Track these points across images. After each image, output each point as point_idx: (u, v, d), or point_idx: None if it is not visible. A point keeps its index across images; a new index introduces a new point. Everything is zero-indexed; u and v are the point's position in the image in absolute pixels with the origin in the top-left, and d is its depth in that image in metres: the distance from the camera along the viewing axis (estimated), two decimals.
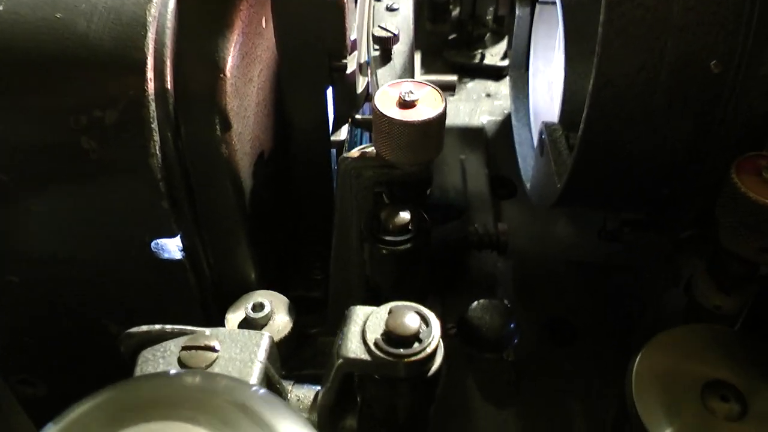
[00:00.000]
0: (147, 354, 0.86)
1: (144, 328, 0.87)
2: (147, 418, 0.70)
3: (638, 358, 0.90)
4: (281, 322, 1.05)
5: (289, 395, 0.89)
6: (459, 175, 1.50)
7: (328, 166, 1.17)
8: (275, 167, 1.13)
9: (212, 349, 0.86)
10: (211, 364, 0.85)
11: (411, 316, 0.80)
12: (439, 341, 0.80)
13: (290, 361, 1.07)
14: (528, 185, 1.33)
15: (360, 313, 0.83)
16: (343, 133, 1.11)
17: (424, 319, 0.81)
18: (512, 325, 1.17)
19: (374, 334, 0.80)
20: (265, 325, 1.05)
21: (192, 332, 0.88)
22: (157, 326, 0.88)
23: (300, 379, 1.09)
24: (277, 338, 1.04)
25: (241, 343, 0.87)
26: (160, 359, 0.86)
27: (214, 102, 0.91)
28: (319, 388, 0.90)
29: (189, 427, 0.68)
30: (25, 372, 1.18)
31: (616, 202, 1.12)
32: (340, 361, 0.80)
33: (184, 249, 1.03)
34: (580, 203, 1.17)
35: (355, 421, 0.87)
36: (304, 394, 0.90)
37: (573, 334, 1.19)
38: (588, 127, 0.94)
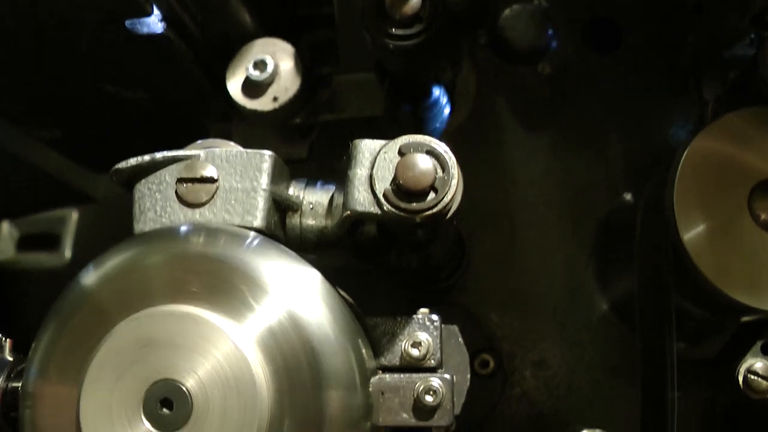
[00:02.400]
0: (142, 188, 0.80)
1: (132, 160, 0.79)
2: (151, 301, 0.69)
3: (693, 140, 0.79)
4: (288, 78, 0.94)
5: (301, 204, 0.83)
6: None
7: None
8: None
9: (210, 180, 0.78)
10: (211, 198, 0.78)
11: (424, 161, 0.70)
12: (458, 184, 0.71)
13: (307, 106, 0.99)
14: None
15: (366, 151, 0.72)
16: None
17: (440, 161, 0.70)
18: (549, 32, 1.02)
19: (383, 182, 0.71)
20: (271, 83, 0.95)
21: (185, 157, 0.80)
22: (147, 156, 0.79)
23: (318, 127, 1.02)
24: (284, 98, 0.95)
25: (241, 168, 0.79)
26: (157, 194, 0.79)
27: None
28: (333, 189, 0.83)
29: (190, 309, 0.68)
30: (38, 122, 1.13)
31: None
32: (347, 213, 0.72)
33: (165, 20, 0.88)
34: None
35: (374, 227, 0.82)
36: (317, 199, 0.83)
37: (617, 38, 1.03)
38: None
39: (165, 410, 0.66)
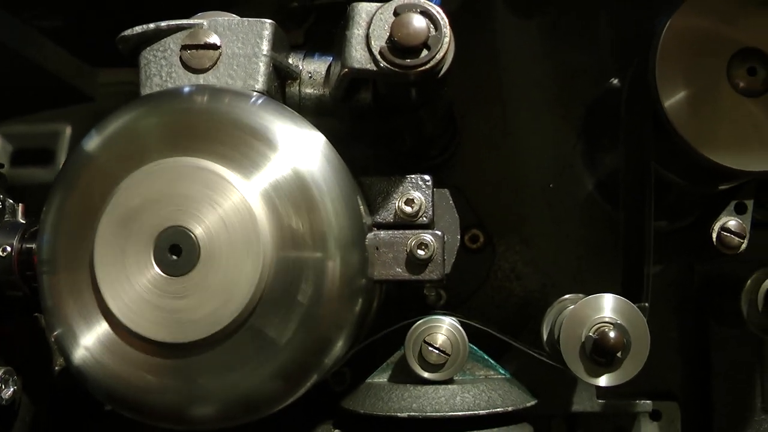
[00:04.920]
0: (148, 55, 0.83)
1: (138, 28, 0.82)
2: (158, 156, 0.72)
3: (673, 16, 0.82)
4: None
5: (300, 73, 0.86)
6: None
7: None
8: None
9: (213, 47, 0.82)
10: (214, 64, 0.82)
11: (418, 20, 0.73)
12: (450, 43, 0.74)
13: None
14: None
15: (363, 12, 0.76)
16: None
17: (433, 21, 0.74)
18: None
19: (379, 41, 0.74)
20: None
21: (189, 26, 0.83)
22: (152, 25, 0.82)
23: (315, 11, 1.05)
24: None
25: (243, 35, 0.82)
26: (162, 60, 0.82)
27: None
28: (330, 60, 0.87)
29: (197, 161, 0.71)
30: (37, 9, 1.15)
31: None
32: (345, 70, 0.76)
33: None
34: None
35: (369, 94, 0.85)
36: (315, 68, 0.87)
37: None
38: None
39: (174, 256, 0.70)
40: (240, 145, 0.72)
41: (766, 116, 0.82)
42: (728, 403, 1.03)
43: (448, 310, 0.97)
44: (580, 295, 0.88)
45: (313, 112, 0.86)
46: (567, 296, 0.92)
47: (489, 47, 1.07)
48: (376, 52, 0.74)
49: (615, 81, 1.04)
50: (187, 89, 0.78)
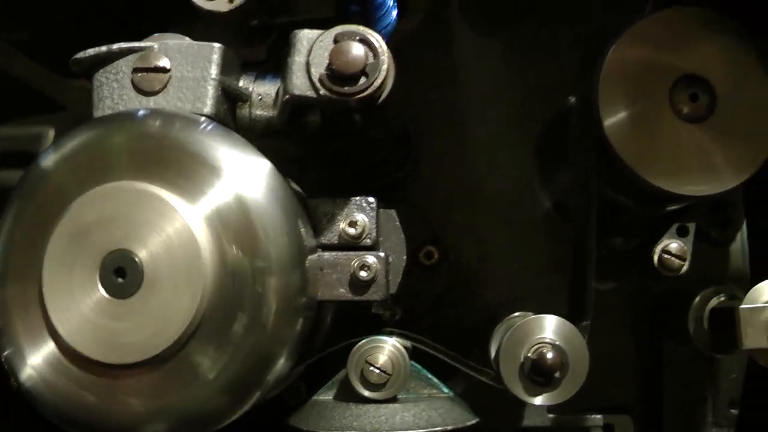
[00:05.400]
0: (100, 77, 0.85)
1: (90, 51, 0.84)
2: (108, 179, 0.74)
3: (615, 43, 0.83)
4: None
5: (251, 95, 0.88)
6: None
7: None
8: None
9: (164, 70, 0.83)
10: (164, 87, 0.83)
11: (356, 48, 0.75)
12: (388, 69, 0.76)
13: (263, 8, 1.03)
14: None
15: (304, 40, 0.77)
16: None
17: (372, 48, 0.75)
18: None
19: (319, 68, 0.76)
20: None
21: (140, 49, 0.84)
22: (104, 47, 0.84)
23: (275, 30, 1.06)
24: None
25: (192, 58, 0.83)
26: (114, 83, 0.84)
27: None
28: (280, 81, 0.88)
29: (145, 186, 0.73)
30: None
31: None
32: (287, 97, 0.78)
33: None
34: None
35: (317, 116, 0.87)
36: (265, 90, 0.88)
37: None
38: None
39: (119, 278, 0.72)
40: (187, 172, 0.74)
41: (707, 141, 0.84)
42: (679, 417, 1.04)
43: (402, 327, 0.98)
44: (529, 313, 0.90)
45: (264, 134, 0.88)
46: (516, 314, 0.93)
47: (448, 63, 1.08)
48: (315, 80, 0.75)
49: (573, 99, 1.05)
50: (139, 113, 0.80)
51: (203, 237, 0.72)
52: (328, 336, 0.91)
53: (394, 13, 0.97)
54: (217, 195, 0.74)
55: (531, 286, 1.06)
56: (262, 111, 0.87)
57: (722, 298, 0.94)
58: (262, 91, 0.88)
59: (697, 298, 0.95)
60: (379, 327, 0.94)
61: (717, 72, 0.84)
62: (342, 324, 0.92)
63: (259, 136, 0.88)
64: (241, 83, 0.87)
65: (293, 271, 0.76)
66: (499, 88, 1.07)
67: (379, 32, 0.94)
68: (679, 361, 1.04)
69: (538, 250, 1.06)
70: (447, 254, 1.06)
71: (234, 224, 0.73)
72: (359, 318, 0.99)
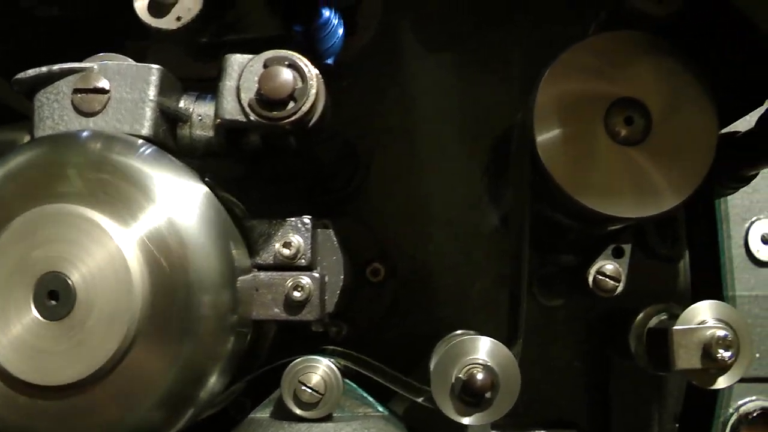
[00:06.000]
0: (41, 97, 0.86)
1: (31, 72, 0.85)
2: (46, 201, 0.75)
3: (552, 64, 0.84)
4: None
5: (191, 115, 0.89)
6: None
7: None
8: None
9: (103, 91, 0.84)
10: (104, 108, 0.84)
11: (285, 73, 0.76)
12: (317, 94, 0.76)
13: (211, 26, 1.04)
14: None
15: (235, 64, 0.78)
16: None
17: (300, 73, 0.76)
18: None
19: (249, 93, 0.77)
20: (175, 3, 0.99)
21: (80, 69, 0.85)
22: (44, 68, 0.85)
23: (226, 47, 1.07)
24: (187, 18, 0.99)
25: (131, 79, 0.85)
26: (54, 103, 0.85)
27: None
28: None
29: (80, 209, 0.74)
30: None
31: None
32: (218, 121, 0.79)
33: None
34: None
35: (258, 137, 0.88)
36: (205, 111, 0.88)
37: None
38: None
39: (52, 301, 0.73)
40: (122, 195, 0.76)
41: (644, 163, 0.84)
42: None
43: (349, 343, 0.99)
44: (470, 331, 0.91)
45: (205, 154, 0.89)
46: (458, 332, 0.94)
47: (399, 80, 1.09)
48: (245, 104, 0.76)
49: (519, 115, 1.06)
50: (82, 135, 0.81)
51: (135, 261, 0.73)
52: (272, 352, 0.92)
53: (340, 31, 0.98)
54: (151, 219, 0.75)
55: (478, 302, 1.07)
56: (202, 131, 0.88)
57: (663, 317, 0.94)
58: (202, 112, 0.89)
59: (639, 316, 0.96)
60: (326, 343, 0.95)
61: (652, 95, 0.84)
62: (288, 340, 0.93)
63: (201, 156, 0.89)
64: (181, 104, 0.88)
65: (224, 291, 0.77)
66: (450, 105, 1.08)
67: (325, 50, 0.96)
68: (626, 376, 1.05)
69: (485, 266, 1.07)
70: (395, 271, 1.06)
71: (165, 248, 0.74)
72: (307, 335, 1.01)
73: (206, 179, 0.82)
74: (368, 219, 1.06)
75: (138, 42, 1.10)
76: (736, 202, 1.09)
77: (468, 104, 1.08)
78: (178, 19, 0.98)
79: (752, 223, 1.09)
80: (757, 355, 1.07)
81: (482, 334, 0.88)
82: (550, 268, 1.05)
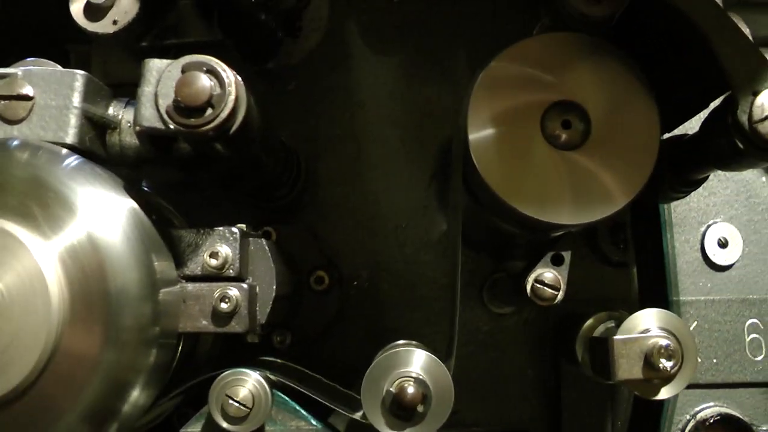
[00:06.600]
0: None
1: None
2: None
3: (491, 62, 0.81)
4: (128, 3, 0.97)
5: (120, 122, 0.87)
6: None
7: None
8: None
9: (27, 98, 0.82)
10: (28, 115, 0.82)
11: (201, 79, 0.73)
12: (236, 100, 0.74)
13: (152, 30, 1.02)
14: None
15: (153, 69, 0.76)
16: None
17: (219, 79, 0.74)
18: None
19: (166, 99, 0.74)
20: (111, 7, 0.97)
21: (3, 75, 0.83)
22: None
23: (171, 51, 1.05)
24: (124, 21, 0.98)
25: (55, 86, 0.83)
26: None
27: None
28: None
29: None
30: None
31: None
32: (137, 128, 0.76)
33: None
34: None
35: (187, 144, 0.85)
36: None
37: None
38: None
39: None
40: (44, 208, 0.74)
41: (583, 168, 0.82)
42: None
43: (292, 353, 0.97)
44: (413, 342, 0.88)
45: (137, 161, 0.87)
46: (399, 342, 0.91)
47: (345, 84, 1.07)
48: (163, 111, 0.74)
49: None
50: (4, 144, 0.79)
51: (53, 274, 0.72)
52: (218, 363, 0.90)
53: (279, 34, 0.96)
54: (71, 233, 0.73)
55: (427, 310, 1.05)
56: (131, 138, 0.86)
57: (610, 325, 0.92)
58: (131, 118, 0.87)
59: (587, 323, 0.94)
60: (271, 353, 0.93)
61: (591, 97, 0.82)
62: (238, 350, 0.91)
63: (133, 163, 0.87)
64: (110, 110, 0.86)
65: (145, 304, 0.75)
66: (397, 109, 1.06)
67: (264, 54, 0.93)
68: (578, 383, 1.03)
69: (433, 274, 1.05)
70: (340, 279, 1.04)
71: (84, 262, 0.73)
72: (254, 345, 0.99)
73: (141, 187, 0.80)
74: (314, 226, 1.04)
75: (80, 46, 1.09)
76: (692, 206, 1.07)
77: (415, 109, 1.05)
78: (115, 22, 0.96)
79: (708, 226, 1.06)
80: (714, 361, 1.05)
81: (429, 343, 0.87)
82: (499, 275, 1.03)
